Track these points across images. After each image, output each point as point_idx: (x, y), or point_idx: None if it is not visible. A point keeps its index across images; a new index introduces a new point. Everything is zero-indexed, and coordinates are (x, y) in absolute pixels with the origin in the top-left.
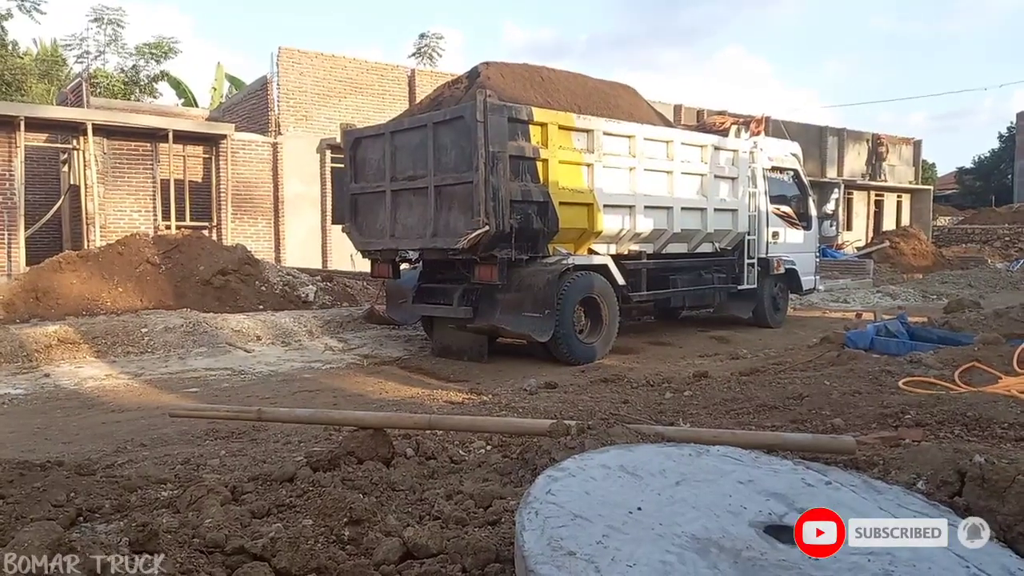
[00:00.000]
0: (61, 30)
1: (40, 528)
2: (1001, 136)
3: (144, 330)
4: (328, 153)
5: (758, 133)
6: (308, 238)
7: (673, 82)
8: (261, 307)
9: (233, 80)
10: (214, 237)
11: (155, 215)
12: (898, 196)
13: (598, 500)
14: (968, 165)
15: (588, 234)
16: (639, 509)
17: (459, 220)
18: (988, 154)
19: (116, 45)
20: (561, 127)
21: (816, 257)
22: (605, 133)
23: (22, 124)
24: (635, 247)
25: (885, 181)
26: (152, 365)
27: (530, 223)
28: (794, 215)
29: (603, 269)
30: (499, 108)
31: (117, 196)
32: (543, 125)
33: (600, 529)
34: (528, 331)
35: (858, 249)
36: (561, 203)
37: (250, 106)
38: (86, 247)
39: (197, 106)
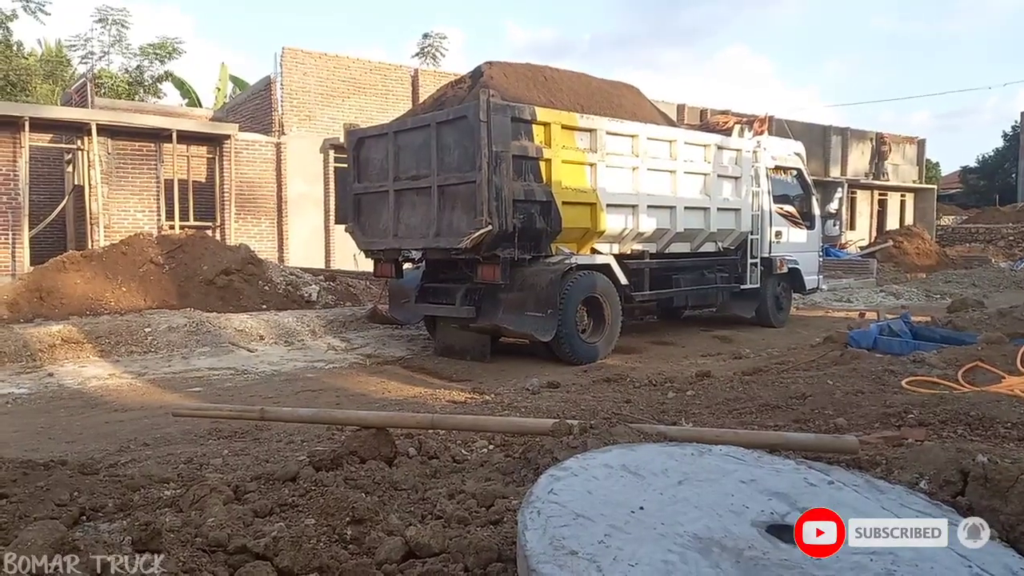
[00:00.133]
0: (66, 31)
1: (43, 527)
2: (1005, 135)
3: (148, 330)
4: (331, 153)
5: (761, 132)
6: (311, 238)
7: (675, 82)
8: (264, 307)
9: (237, 81)
10: (217, 237)
11: (159, 215)
12: (902, 195)
13: (600, 499)
14: (972, 164)
15: (591, 234)
16: (641, 508)
17: (462, 220)
18: (992, 153)
19: (120, 45)
20: (564, 127)
21: (819, 256)
22: (608, 133)
23: (27, 124)
24: (638, 246)
25: (888, 180)
26: (155, 365)
27: (533, 223)
28: (797, 214)
29: (606, 269)
30: (502, 108)
31: (121, 196)
32: (546, 125)
33: (602, 528)
34: (531, 331)
35: (861, 248)
36: (564, 203)
37: (254, 106)
38: (90, 247)
39: (201, 106)
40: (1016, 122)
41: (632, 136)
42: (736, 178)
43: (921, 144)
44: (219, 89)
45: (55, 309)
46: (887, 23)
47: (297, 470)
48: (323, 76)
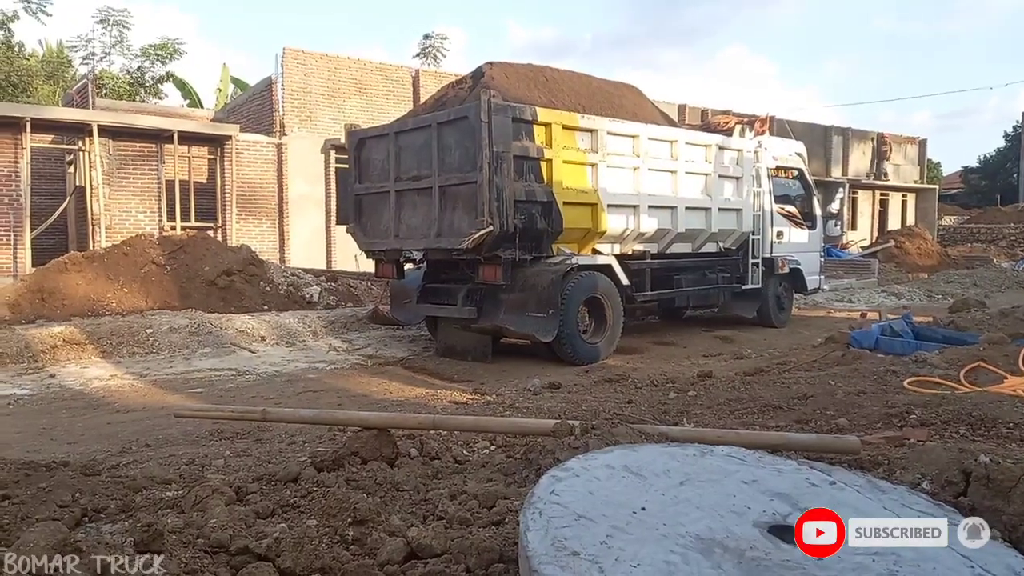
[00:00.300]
0: (67, 31)
1: (45, 528)
2: (1007, 135)
3: (149, 331)
4: (332, 154)
5: (762, 132)
6: (312, 238)
7: (675, 82)
8: (266, 308)
9: (238, 82)
10: (219, 238)
11: (160, 216)
12: (903, 195)
13: (602, 500)
14: (973, 164)
15: (592, 234)
16: (643, 509)
17: (463, 220)
18: (994, 153)
19: (122, 46)
20: (565, 127)
21: (821, 257)
22: (609, 133)
23: (28, 125)
24: (639, 247)
25: (888, 180)
26: (157, 366)
27: (534, 223)
28: (799, 214)
29: (607, 269)
30: (503, 108)
31: (122, 197)
32: (547, 125)
33: (604, 529)
34: (532, 331)
35: (863, 248)
36: (565, 203)
37: (255, 107)
38: (91, 248)
39: (202, 107)
40: (1017, 122)
41: (633, 136)
42: (737, 178)
43: (922, 144)
44: (220, 90)
45: (57, 310)
46: (887, 23)
47: (299, 471)
48: (324, 77)
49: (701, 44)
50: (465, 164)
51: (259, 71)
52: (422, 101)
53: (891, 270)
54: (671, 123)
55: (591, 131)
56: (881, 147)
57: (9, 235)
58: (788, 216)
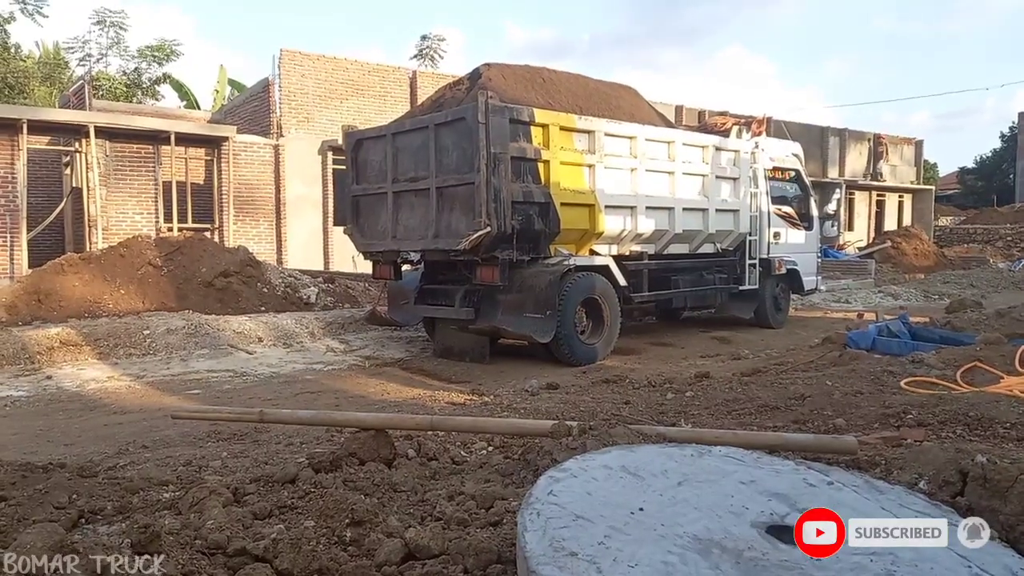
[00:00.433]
0: (63, 33)
1: (42, 530)
2: (1003, 136)
3: (146, 332)
4: (330, 155)
5: (759, 133)
6: (310, 240)
7: (674, 82)
8: (263, 309)
9: (235, 84)
10: (216, 239)
11: (157, 217)
12: (900, 196)
13: (600, 501)
14: (970, 165)
15: (589, 235)
16: (641, 510)
17: (461, 221)
18: (990, 154)
19: (118, 48)
20: (562, 128)
21: (818, 257)
22: (606, 134)
23: (24, 127)
24: (637, 248)
25: (884, 181)
26: (154, 367)
27: (532, 224)
28: (795, 215)
29: (604, 270)
30: (501, 109)
31: (119, 198)
32: (544, 126)
33: (602, 530)
34: (530, 332)
35: (860, 249)
36: (562, 204)
37: (252, 108)
38: (88, 249)
39: (199, 108)
40: (1014, 123)
41: (630, 137)
42: (734, 179)
43: (919, 145)
44: (217, 91)
45: (53, 311)
46: (886, 23)
47: (296, 472)
48: (321, 78)
49: (700, 44)
50: (463, 165)
51: (256, 72)
52: (419, 102)
53: (888, 271)
54: (668, 124)
55: (588, 132)
56: (877, 148)
57: (5, 237)
58: (785, 217)
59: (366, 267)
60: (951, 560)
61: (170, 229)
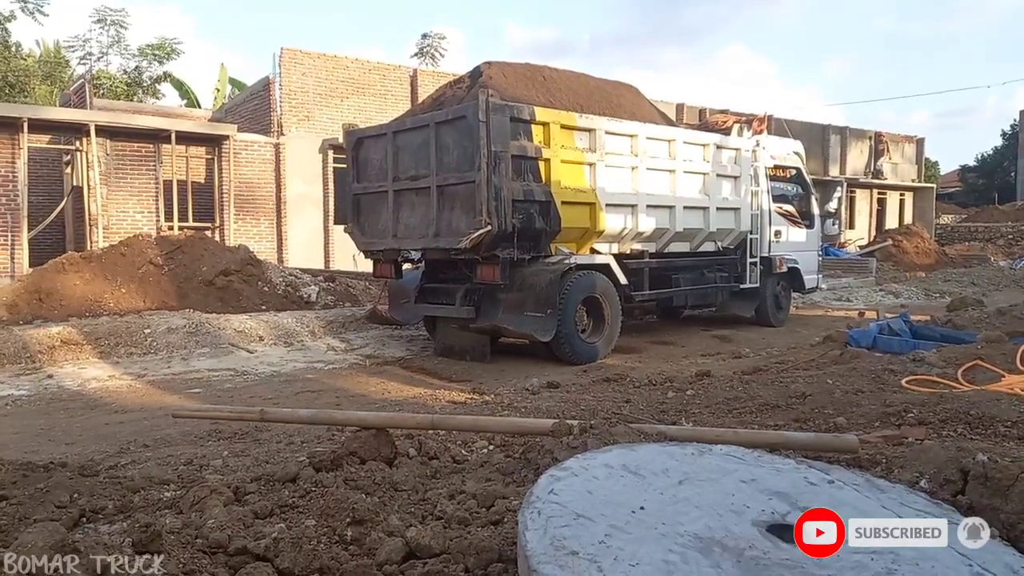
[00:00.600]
0: (64, 31)
1: (43, 529)
2: (1004, 134)
3: (147, 331)
4: (330, 153)
5: (760, 132)
6: (310, 238)
7: (675, 81)
8: (264, 308)
9: (235, 82)
10: (217, 238)
11: (158, 216)
12: (901, 194)
13: (601, 499)
14: (971, 163)
15: (590, 233)
16: (642, 508)
17: (461, 220)
18: (991, 152)
19: (119, 46)
20: (563, 126)
21: (819, 256)
22: (607, 132)
23: (25, 125)
24: (637, 246)
25: (886, 179)
26: (155, 366)
27: (532, 223)
28: (796, 214)
29: (605, 268)
30: (501, 108)
31: (120, 197)
32: (545, 124)
33: (603, 528)
34: (530, 331)
35: (861, 247)
36: (563, 202)
37: (252, 107)
38: (89, 248)
39: (199, 107)
40: (1015, 121)
41: (631, 136)
42: (735, 177)
43: (920, 143)
44: (218, 90)
45: (54, 310)
46: (887, 23)
47: (297, 471)
48: (322, 76)
49: (701, 44)
50: (463, 164)
51: (257, 71)
52: (420, 101)
53: (889, 269)
54: (669, 122)
55: (589, 130)
56: (879, 146)
57: (6, 235)
58: (786, 215)
59: (367, 266)
60: (952, 559)
61: (171, 228)
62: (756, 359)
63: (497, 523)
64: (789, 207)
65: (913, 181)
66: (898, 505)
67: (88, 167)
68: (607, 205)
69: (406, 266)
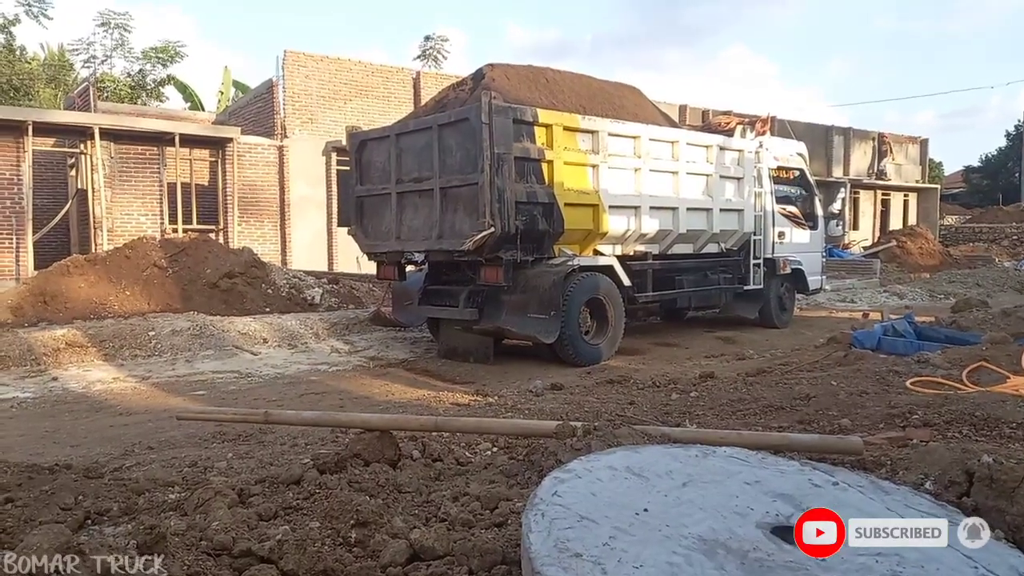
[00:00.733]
0: (68, 35)
1: (49, 531)
2: (1008, 134)
3: (151, 333)
4: (334, 156)
5: (763, 133)
6: (314, 241)
7: (676, 82)
8: (267, 310)
9: (239, 85)
10: (220, 240)
11: (162, 218)
12: (905, 195)
13: (604, 502)
14: (975, 164)
15: (593, 235)
16: (646, 510)
17: (465, 222)
18: (995, 152)
19: (123, 50)
20: (566, 128)
21: (822, 257)
22: (610, 134)
23: (30, 129)
24: (641, 248)
25: (889, 180)
26: (159, 368)
27: (535, 224)
28: (800, 215)
29: (609, 270)
30: (504, 110)
31: (124, 200)
32: (548, 126)
33: (607, 530)
34: (534, 332)
35: (864, 248)
36: (566, 204)
37: (256, 109)
38: (93, 251)
39: (203, 110)
40: (1019, 121)
41: (634, 137)
42: (738, 179)
43: (924, 144)
44: (222, 93)
45: (59, 313)
46: (888, 23)
47: (301, 473)
48: (325, 79)
49: (703, 44)
50: (466, 166)
51: (257, 73)
52: (423, 103)
53: (893, 270)
54: (672, 124)
55: (592, 132)
56: (882, 147)
57: (11, 238)
58: (789, 216)
59: (370, 268)
60: (956, 560)
61: (175, 230)
62: (760, 361)
63: (501, 525)
64: (792, 208)
65: (917, 182)
66: (902, 507)
67: (92, 170)
68: (610, 207)
69: (409, 268)
